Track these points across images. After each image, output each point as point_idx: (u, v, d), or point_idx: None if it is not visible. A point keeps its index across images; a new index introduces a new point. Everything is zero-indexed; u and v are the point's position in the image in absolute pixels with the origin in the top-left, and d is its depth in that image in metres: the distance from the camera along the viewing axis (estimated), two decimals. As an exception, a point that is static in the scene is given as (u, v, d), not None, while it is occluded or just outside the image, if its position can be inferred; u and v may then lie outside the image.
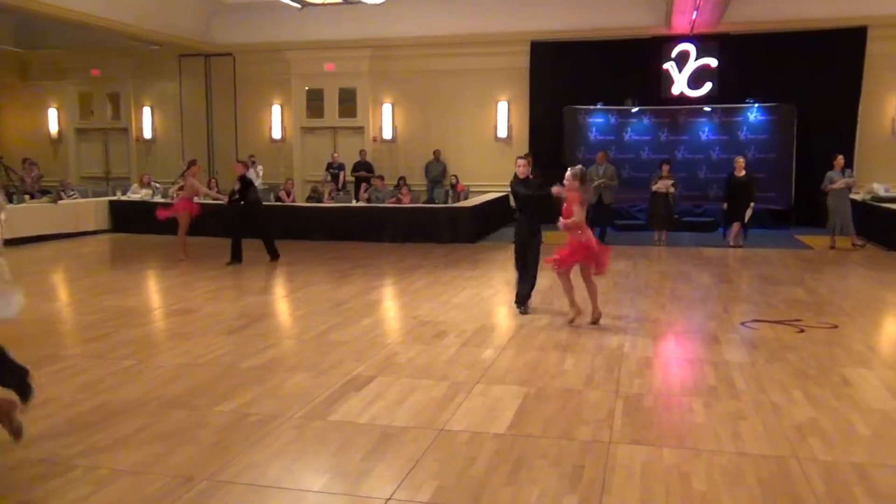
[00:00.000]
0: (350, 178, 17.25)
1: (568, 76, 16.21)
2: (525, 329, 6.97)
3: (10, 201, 13.70)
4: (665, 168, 13.10)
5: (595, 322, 7.07)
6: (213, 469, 3.90)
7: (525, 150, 15.98)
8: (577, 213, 6.89)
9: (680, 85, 15.96)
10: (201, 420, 4.63)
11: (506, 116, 17.25)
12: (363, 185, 16.42)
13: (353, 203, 15.30)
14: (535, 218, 7.50)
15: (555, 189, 7.09)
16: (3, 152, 17.50)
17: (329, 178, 17.04)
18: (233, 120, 18.93)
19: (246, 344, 6.48)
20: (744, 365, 5.75)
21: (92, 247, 13.78)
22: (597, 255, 7.01)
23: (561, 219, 7.03)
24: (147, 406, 4.89)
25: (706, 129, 15.84)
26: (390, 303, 8.78)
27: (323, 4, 16.05)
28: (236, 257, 11.01)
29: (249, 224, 11.24)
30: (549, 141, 16.00)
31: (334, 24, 17.03)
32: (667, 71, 15.97)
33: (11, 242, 12.84)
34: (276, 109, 18.75)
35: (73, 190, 15.70)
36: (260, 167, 17.16)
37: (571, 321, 7.09)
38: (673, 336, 6.95)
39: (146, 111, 19.79)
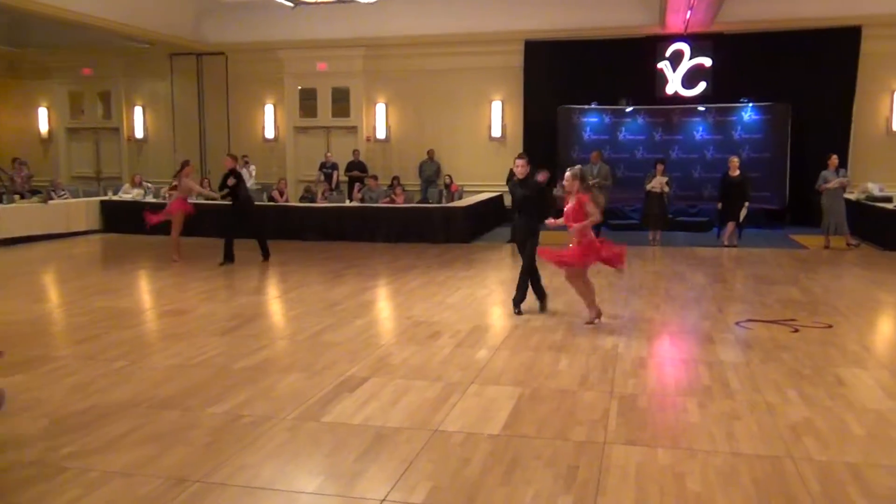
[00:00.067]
0: (343, 178, 17.20)
1: (562, 75, 16.22)
2: (519, 329, 6.95)
3: (0, 201, 13.64)
4: (659, 168, 13.10)
5: (590, 323, 7.07)
6: (206, 471, 3.88)
7: (519, 149, 15.95)
8: (595, 213, 6.86)
9: (674, 84, 15.98)
10: (194, 421, 4.60)
11: (500, 116, 17.23)
12: (357, 185, 16.37)
13: (347, 203, 15.26)
14: (533, 219, 7.50)
15: (556, 191, 7.09)
16: (-7, 152, 17.45)
17: (322, 177, 16.98)
18: (225, 119, 18.86)
19: (239, 345, 6.44)
20: (738, 365, 5.74)
21: (83, 247, 13.70)
22: (610, 251, 7.00)
23: (563, 221, 7.02)
24: (139, 407, 4.86)
25: (700, 128, 15.88)
26: (384, 303, 8.75)
27: (316, 3, 16.04)
28: (229, 257, 10.97)
29: (243, 224, 11.21)
30: (544, 140, 15.98)
31: (327, 23, 17.00)
32: (661, 70, 15.99)
33: (1, 243, 12.82)
34: (268, 109, 18.69)
35: (63, 190, 15.60)
36: (253, 167, 17.10)
37: (591, 321, 7.05)
38: (667, 336, 6.95)
39: (137, 110, 19.70)
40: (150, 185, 16.59)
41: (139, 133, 19.75)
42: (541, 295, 7.66)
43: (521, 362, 5.86)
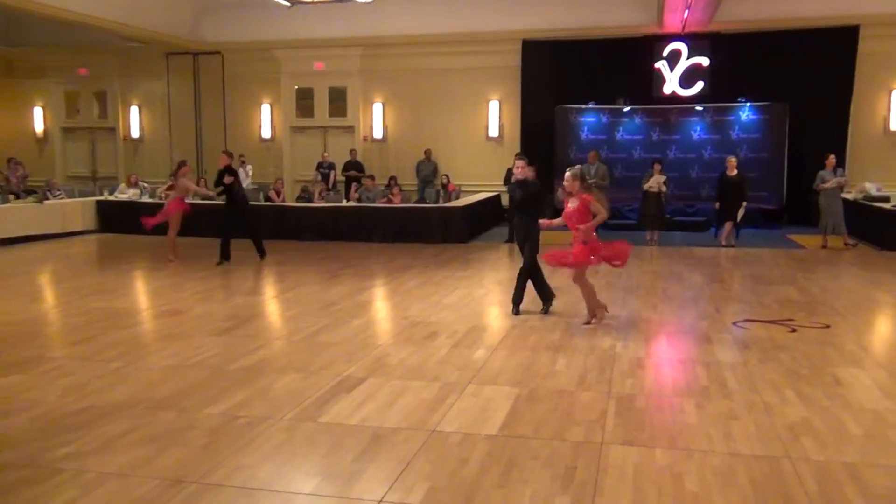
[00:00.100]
0: (340, 178, 17.18)
1: (559, 75, 16.22)
2: (517, 329, 6.94)
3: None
4: (657, 167, 13.09)
5: (588, 323, 7.06)
6: (203, 472, 3.86)
7: (517, 149, 15.97)
8: (602, 211, 6.85)
9: (672, 84, 15.98)
10: (190, 422, 4.58)
11: (497, 116, 17.23)
12: (354, 185, 16.36)
13: (344, 203, 15.24)
14: (532, 219, 7.49)
15: (559, 195, 7.07)
16: (-12, 151, 17.37)
17: (319, 177, 16.97)
18: (221, 119, 18.83)
19: (235, 345, 6.43)
20: (736, 365, 5.74)
21: (79, 247, 13.66)
22: (612, 248, 6.99)
23: (561, 222, 7.02)
24: (135, 408, 4.83)
25: (698, 128, 15.87)
26: (381, 303, 8.73)
27: (312, 2, 16.02)
28: (225, 256, 10.95)
29: (239, 223, 11.18)
30: (541, 140, 15.98)
31: (324, 23, 16.99)
32: (658, 70, 16.00)
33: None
34: (265, 108, 18.67)
35: (59, 190, 15.57)
36: (249, 167, 17.08)
37: (589, 322, 7.05)
38: (665, 336, 6.94)
39: (133, 110, 19.66)
40: (146, 185, 16.55)
41: (135, 133, 19.70)
42: (545, 296, 7.60)
43: (519, 362, 5.85)
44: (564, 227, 7.20)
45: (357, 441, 4.26)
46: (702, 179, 15.38)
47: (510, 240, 13.12)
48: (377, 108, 17.95)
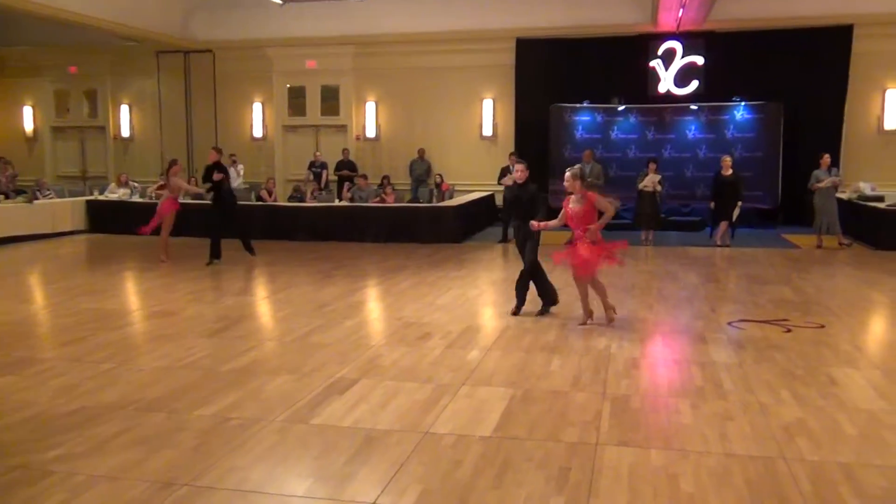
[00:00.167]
0: (333, 178, 17.12)
1: (554, 74, 16.19)
2: (511, 330, 6.92)
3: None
4: (652, 167, 13.10)
5: (584, 324, 7.04)
6: (194, 474, 3.83)
7: (511, 148, 15.99)
8: (609, 207, 6.84)
9: (666, 83, 15.97)
10: (181, 424, 4.54)
11: (491, 114, 17.18)
12: (346, 185, 16.29)
13: (336, 203, 15.19)
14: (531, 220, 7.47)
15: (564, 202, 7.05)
16: (-24, 151, 17.24)
17: (311, 177, 16.90)
18: (213, 118, 18.74)
19: (227, 346, 6.38)
20: (731, 365, 5.73)
21: (69, 247, 13.58)
22: (611, 248, 7.03)
23: (559, 223, 7.01)
24: (126, 410, 4.79)
25: (693, 127, 15.87)
26: (374, 304, 8.70)
27: (304, 0, 15.95)
28: (215, 255, 10.89)
29: (228, 222, 11.11)
30: (536, 139, 15.96)
31: (316, 21, 16.92)
32: (653, 69, 15.98)
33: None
34: (257, 107, 18.58)
35: (48, 189, 15.47)
36: (241, 166, 17.01)
37: (584, 322, 7.04)
38: (660, 336, 6.93)
39: (124, 109, 19.53)
40: (136, 184, 16.46)
41: (125, 132, 19.59)
42: (548, 297, 7.52)
43: (513, 363, 5.83)
44: (563, 228, 7.18)
45: (350, 443, 4.23)
46: (697, 179, 15.37)
47: (504, 240, 13.12)
48: (370, 106, 17.90)
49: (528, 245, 7.38)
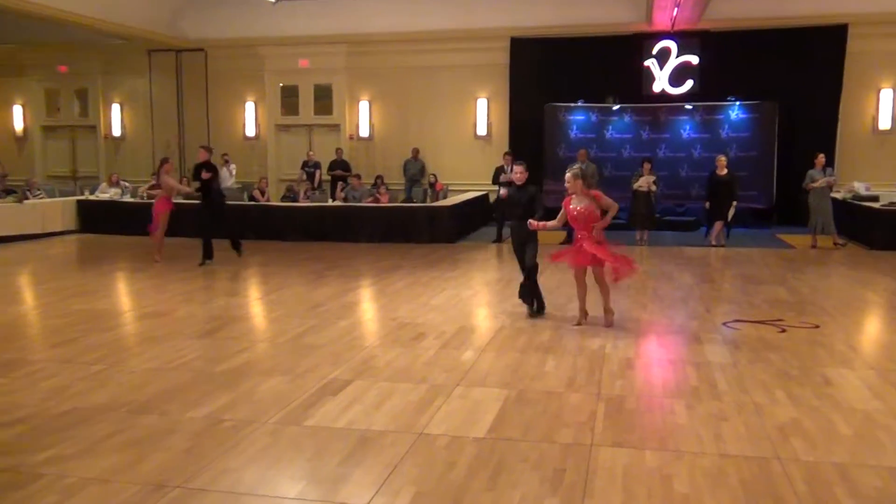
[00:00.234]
0: (326, 177, 17.07)
1: (548, 73, 16.16)
2: (506, 330, 6.90)
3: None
4: (647, 166, 13.10)
5: (578, 324, 7.03)
6: (186, 476, 3.80)
7: (505, 147, 15.95)
8: (613, 203, 6.84)
9: (661, 82, 15.97)
10: (173, 426, 4.51)
11: (485, 114, 17.16)
12: (339, 184, 16.25)
13: (330, 202, 15.16)
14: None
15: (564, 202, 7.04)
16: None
17: (304, 176, 16.85)
18: (205, 117, 18.65)
19: (219, 348, 6.35)
20: (726, 365, 5.72)
21: (59, 248, 13.50)
22: (621, 261, 7.01)
23: (558, 223, 6.99)
24: (117, 412, 4.75)
25: (688, 126, 15.88)
26: (368, 304, 8.67)
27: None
28: (208, 255, 10.84)
29: (218, 222, 11.05)
30: (530, 139, 15.94)
31: (309, 19, 16.86)
32: (648, 68, 15.98)
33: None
34: (249, 106, 18.51)
35: (39, 189, 15.38)
36: (233, 166, 16.95)
37: (579, 323, 7.03)
38: (655, 337, 6.91)
39: (115, 108, 19.41)
40: (127, 184, 16.41)
41: (116, 131, 19.47)
42: (538, 304, 7.51)
43: (507, 364, 5.80)
44: (563, 228, 7.16)
45: (343, 444, 4.20)
46: (692, 178, 15.37)
47: (498, 240, 13.10)
48: (363, 105, 17.85)
49: (528, 249, 7.27)
